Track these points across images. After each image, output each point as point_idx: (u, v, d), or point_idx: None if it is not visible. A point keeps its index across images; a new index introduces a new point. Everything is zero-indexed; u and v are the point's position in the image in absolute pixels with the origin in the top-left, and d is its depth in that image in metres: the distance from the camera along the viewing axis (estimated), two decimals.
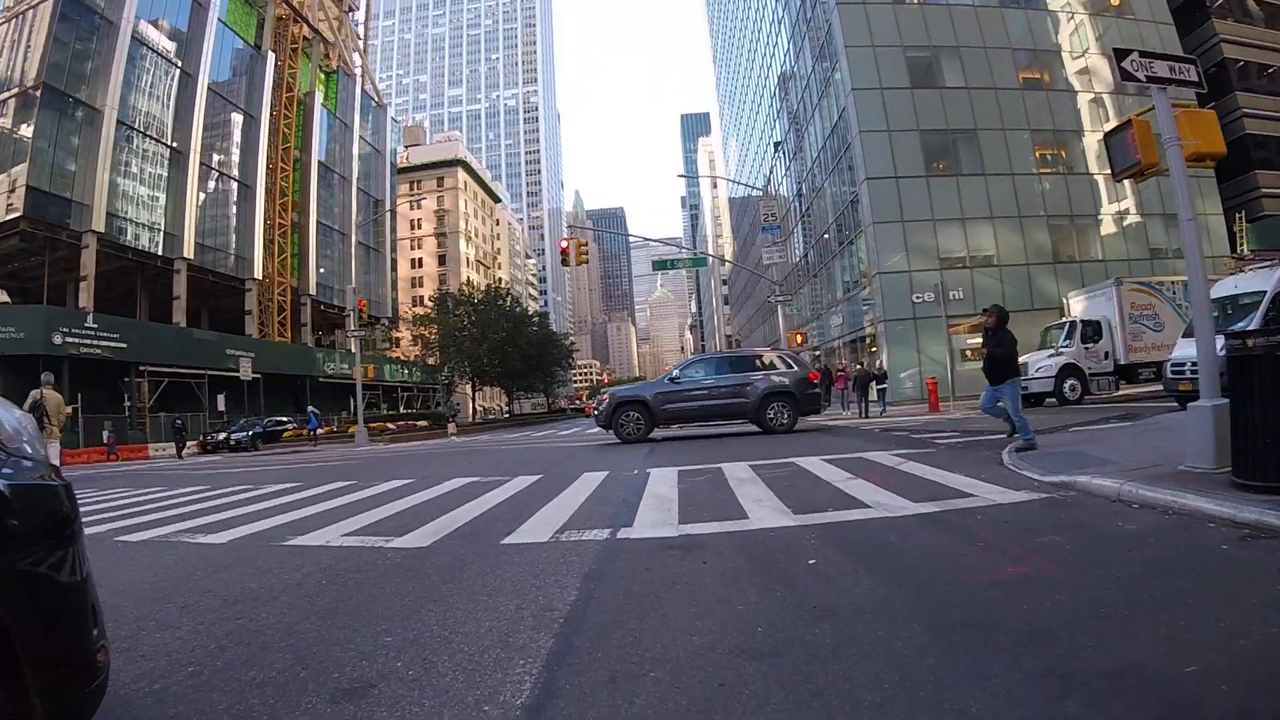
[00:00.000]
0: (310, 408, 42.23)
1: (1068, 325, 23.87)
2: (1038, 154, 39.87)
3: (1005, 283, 37.00)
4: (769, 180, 58.94)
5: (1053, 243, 38.91)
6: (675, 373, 19.59)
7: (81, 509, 9.09)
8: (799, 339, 34.68)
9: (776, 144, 55.26)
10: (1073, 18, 41.20)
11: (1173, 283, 24.82)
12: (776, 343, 63.50)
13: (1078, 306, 26.28)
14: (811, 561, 4.58)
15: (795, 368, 18.73)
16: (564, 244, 29.21)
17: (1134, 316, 23.55)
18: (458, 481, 10.93)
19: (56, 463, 11.21)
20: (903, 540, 5.03)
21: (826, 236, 48.68)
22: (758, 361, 19.22)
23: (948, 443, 12.11)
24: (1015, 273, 37.43)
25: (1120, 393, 23.69)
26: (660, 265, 37.33)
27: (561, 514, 7.06)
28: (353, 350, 38.04)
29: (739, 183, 73.20)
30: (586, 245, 29.55)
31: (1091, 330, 23.37)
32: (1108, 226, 39.67)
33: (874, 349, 38.74)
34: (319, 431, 39.98)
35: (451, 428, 42.11)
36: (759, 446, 13.90)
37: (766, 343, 76.70)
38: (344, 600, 4.42)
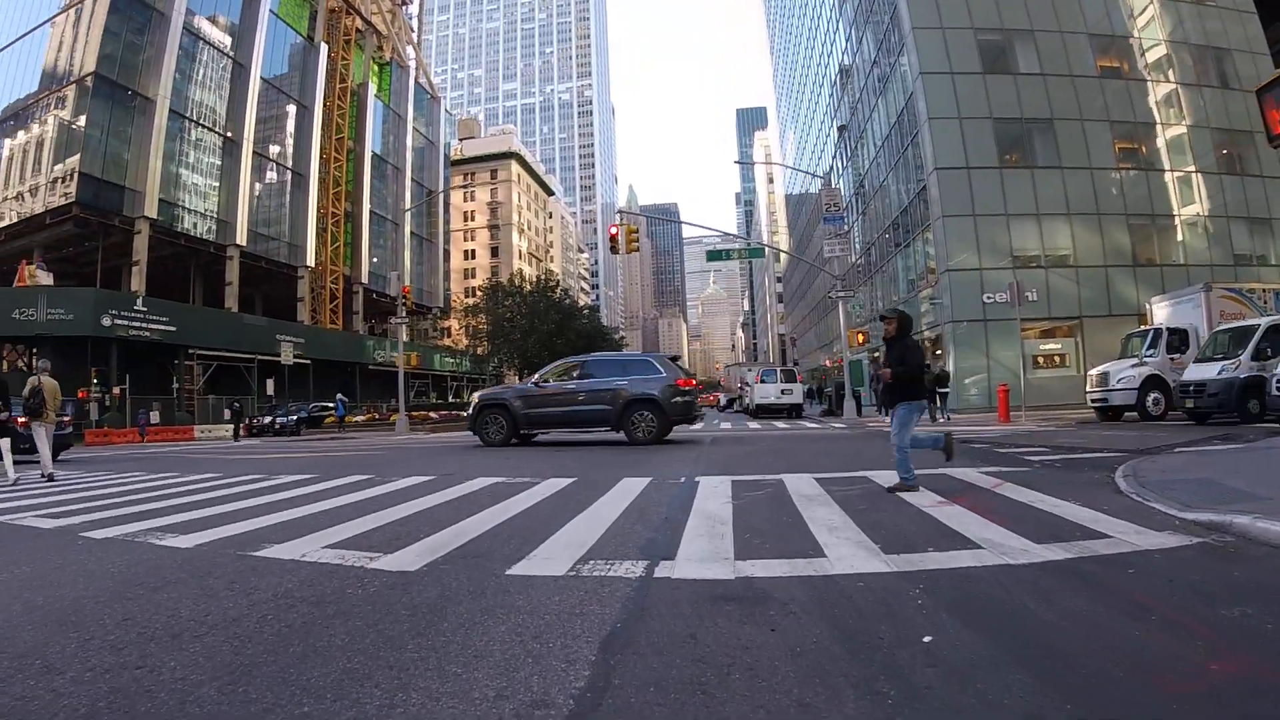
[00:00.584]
0: (339, 395, 41.70)
1: (1151, 333, 21.87)
2: (1117, 148, 37.54)
3: (1082, 285, 34.94)
4: (831, 169, 56.88)
5: (1132, 244, 36.56)
6: (540, 374, 18.68)
7: (77, 495, 7.95)
8: (860, 338, 33.00)
9: (841, 127, 53.10)
10: (1151, 4, 38.79)
11: (1264, 290, 22.85)
12: (834, 342, 61.70)
13: (1162, 313, 24.15)
14: (927, 639, 3.19)
15: (664, 373, 17.31)
16: (613, 229, 27.86)
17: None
18: (482, 481, 9.75)
19: (48, 443, 10.57)
20: (1042, 606, 3.65)
21: (886, 237, 46.96)
22: (624, 366, 18.03)
23: (1041, 460, 10.57)
24: (1092, 274, 35.25)
25: None
26: (714, 255, 35.56)
27: (589, 533, 5.78)
28: (399, 338, 37.31)
29: (799, 170, 70.88)
30: (637, 232, 28.13)
31: (1177, 339, 21.20)
32: (1190, 228, 37.24)
33: (939, 352, 36.92)
34: (347, 419, 39.77)
35: None
36: (824, 456, 12.48)
37: (821, 344, 75.04)
38: (278, 650, 3.25)
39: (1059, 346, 35.65)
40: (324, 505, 8.00)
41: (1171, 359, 20.78)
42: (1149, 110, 37.71)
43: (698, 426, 23.62)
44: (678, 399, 17.05)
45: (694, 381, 18.05)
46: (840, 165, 58.42)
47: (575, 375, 18.00)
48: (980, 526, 5.61)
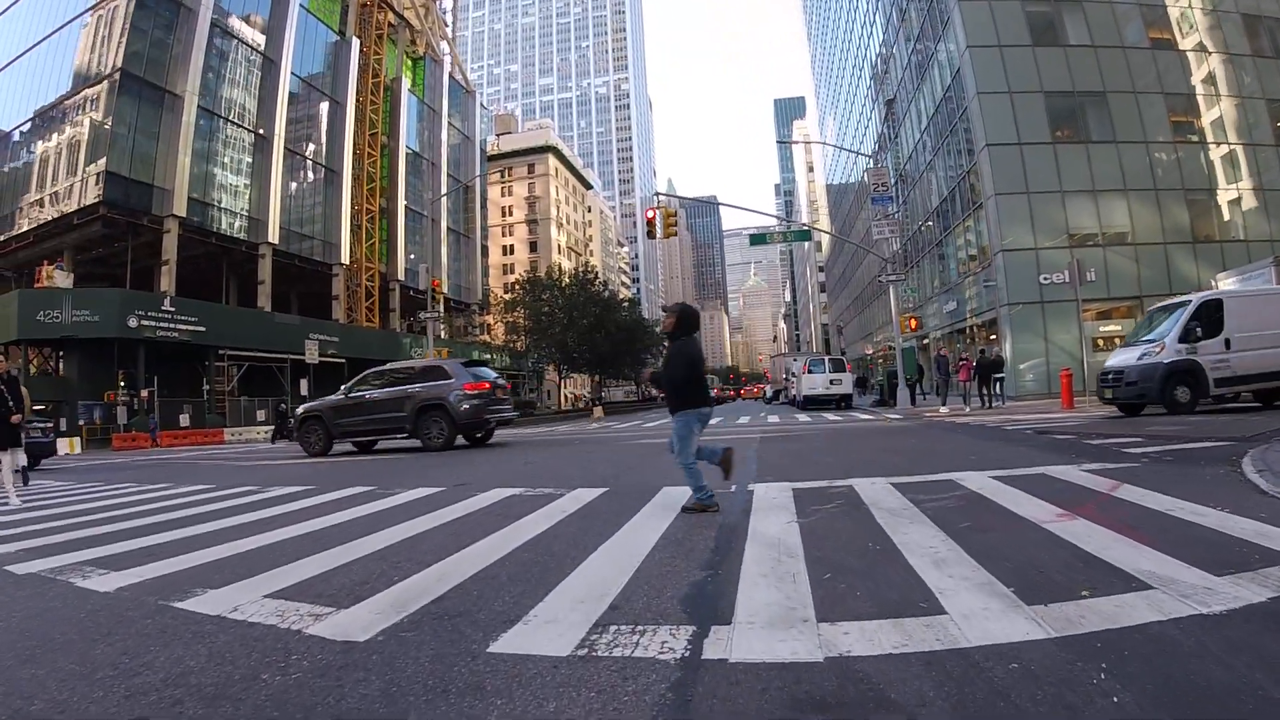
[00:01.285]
0: None
1: None
2: (1172, 121, 35.58)
3: (1141, 264, 33.11)
4: (878, 146, 54.39)
5: (1191, 219, 34.66)
6: (348, 385, 19.23)
7: (38, 513, 9.35)
8: (913, 324, 31.22)
9: (889, 102, 51.01)
10: None
11: None
12: (877, 331, 59.86)
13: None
14: None
15: (454, 378, 17.61)
16: (649, 213, 26.27)
17: None
18: (496, 494, 8.35)
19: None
20: None
21: (929, 224, 45.22)
22: (419, 373, 18.42)
23: (1143, 453, 9.05)
24: (1151, 252, 33.39)
25: None
26: (758, 239, 33.66)
27: (614, 574, 4.37)
28: (430, 334, 36.16)
29: (845, 149, 68.46)
30: (675, 215, 26.51)
31: None
32: (1249, 203, 35.24)
33: (992, 337, 35.18)
34: None
35: (598, 411, 40.49)
36: (891, 455, 10.84)
37: (864, 333, 73.14)
38: None
39: (1119, 328, 33.77)
40: (300, 529, 6.73)
41: None
42: (1202, 82, 35.86)
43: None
44: (468, 404, 17.33)
45: (487, 385, 18.15)
46: (885, 146, 56.29)
47: (377, 384, 18.56)
48: (1130, 551, 4.21)
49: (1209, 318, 15.64)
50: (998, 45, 34.55)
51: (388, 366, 20.01)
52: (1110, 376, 16.27)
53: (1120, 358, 16.45)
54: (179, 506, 9.15)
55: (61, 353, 42.41)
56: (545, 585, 4.19)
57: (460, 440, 18.21)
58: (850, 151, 61.61)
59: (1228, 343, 15.45)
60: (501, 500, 7.84)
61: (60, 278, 41.27)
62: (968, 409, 23.77)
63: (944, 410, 23.99)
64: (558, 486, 8.70)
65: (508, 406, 19.74)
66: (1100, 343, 33.22)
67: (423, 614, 3.77)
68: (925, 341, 46.51)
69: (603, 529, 5.83)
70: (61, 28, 46.29)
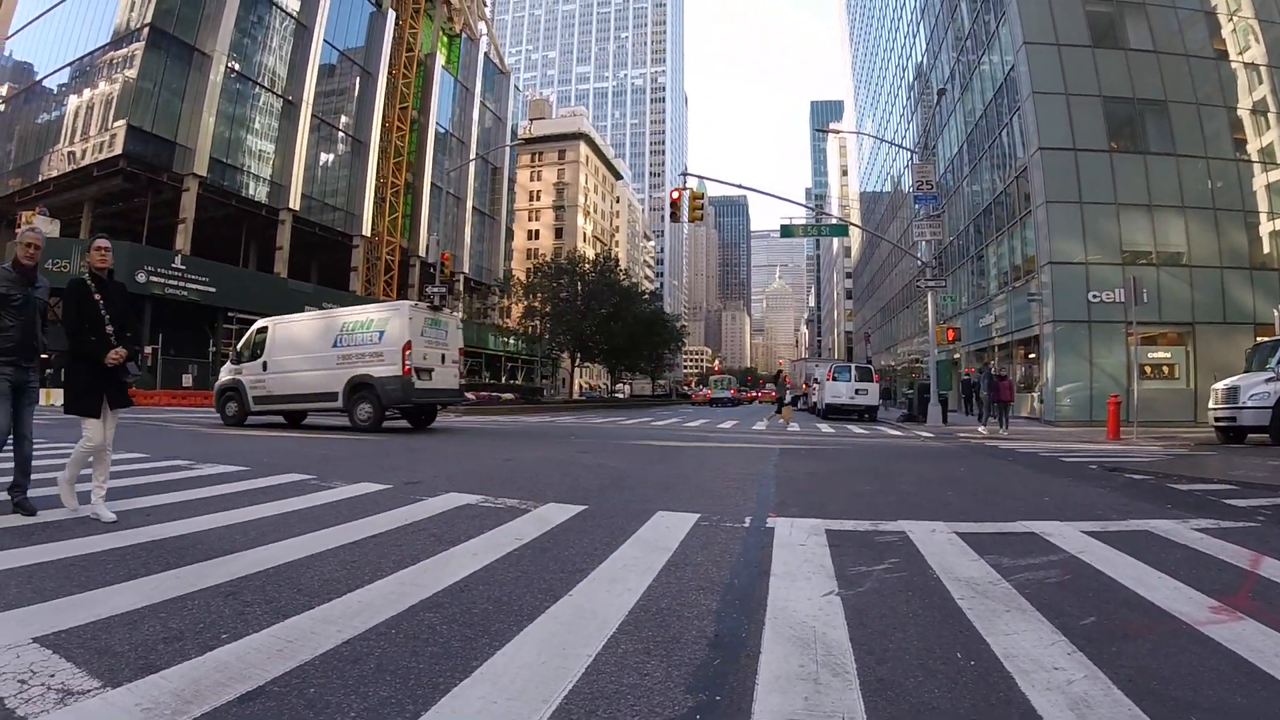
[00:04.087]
0: None
1: None
2: (1235, 138, 33.03)
3: (1195, 287, 30.66)
4: (925, 140, 51.45)
5: (1249, 243, 32.19)
6: None
7: None
8: (949, 334, 29.18)
9: (941, 91, 48.35)
10: None
11: None
12: (901, 343, 57.68)
13: None
14: None
15: None
16: (675, 193, 24.44)
17: None
18: (445, 502, 6.64)
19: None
20: None
21: (966, 234, 43.12)
22: None
23: (1250, 506, 7.28)
24: (1207, 276, 30.86)
25: None
26: (789, 231, 31.80)
27: (542, 686, 2.60)
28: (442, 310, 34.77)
29: (885, 140, 64.85)
30: (702, 199, 24.79)
31: None
32: None
33: (1031, 355, 33.17)
34: None
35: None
36: (943, 486, 9.03)
37: (887, 344, 70.94)
38: None
39: (1168, 355, 31.55)
40: (173, 530, 5.10)
41: None
42: (1268, 98, 33.20)
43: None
44: None
45: None
46: (936, 129, 53.32)
47: None
48: None
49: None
50: (1056, 44, 32.38)
51: None
52: None
53: None
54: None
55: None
56: (431, 688, 2.53)
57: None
58: (894, 145, 59.08)
59: (265, 365, 18.58)
60: (447, 512, 6.14)
61: (42, 223, 39.98)
62: (1004, 431, 21.98)
63: (983, 431, 22.21)
64: (525, 498, 6.99)
65: None
66: (1148, 370, 31.11)
67: None
68: (956, 356, 44.36)
69: (558, 576, 4.15)
70: None
